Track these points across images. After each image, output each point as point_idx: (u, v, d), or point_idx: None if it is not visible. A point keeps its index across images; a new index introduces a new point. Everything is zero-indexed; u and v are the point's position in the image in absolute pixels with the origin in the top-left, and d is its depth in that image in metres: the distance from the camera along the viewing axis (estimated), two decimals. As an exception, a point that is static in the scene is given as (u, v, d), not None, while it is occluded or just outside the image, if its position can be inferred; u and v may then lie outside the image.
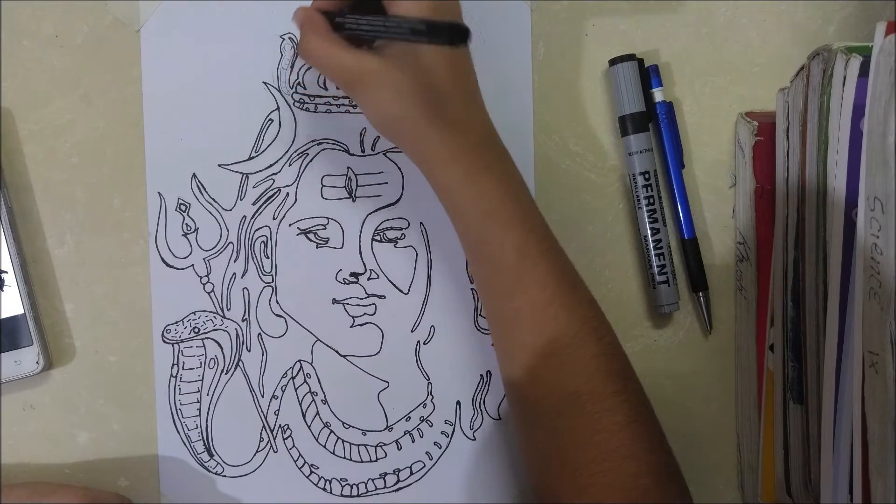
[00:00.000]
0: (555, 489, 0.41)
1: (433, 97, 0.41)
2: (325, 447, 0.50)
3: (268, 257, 0.50)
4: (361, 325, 0.50)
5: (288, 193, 0.50)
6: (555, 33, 0.51)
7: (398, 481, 0.50)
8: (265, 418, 0.50)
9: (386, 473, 0.50)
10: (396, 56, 0.41)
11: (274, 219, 0.50)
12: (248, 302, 0.50)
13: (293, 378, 0.50)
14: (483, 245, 0.42)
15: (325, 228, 0.50)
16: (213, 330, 0.50)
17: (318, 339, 0.50)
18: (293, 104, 0.50)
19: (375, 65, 0.41)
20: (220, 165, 0.50)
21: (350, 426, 0.50)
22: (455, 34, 0.35)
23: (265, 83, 0.50)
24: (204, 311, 0.49)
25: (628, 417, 0.40)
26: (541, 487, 0.43)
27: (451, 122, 0.41)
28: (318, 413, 0.50)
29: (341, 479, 0.50)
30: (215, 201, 0.50)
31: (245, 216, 0.50)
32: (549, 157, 0.51)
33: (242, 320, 0.50)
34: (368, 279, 0.50)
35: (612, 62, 0.50)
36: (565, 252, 0.43)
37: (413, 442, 0.50)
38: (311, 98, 0.50)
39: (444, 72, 0.41)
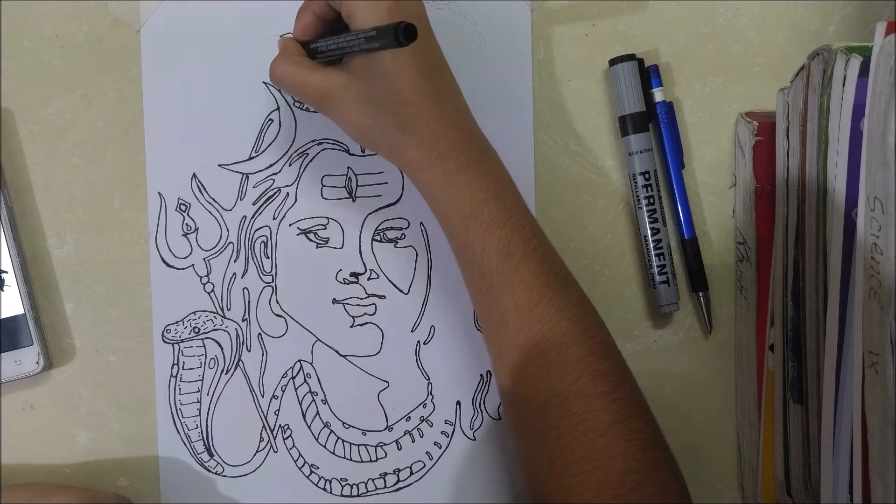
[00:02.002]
0: (544, 489, 0.41)
1: (399, 103, 0.41)
2: (325, 447, 0.50)
3: (268, 257, 0.50)
4: (361, 325, 0.50)
5: (288, 193, 0.50)
6: (555, 33, 0.51)
7: (398, 481, 0.50)
8: (265, 418, 0.50)
9: (386, 473, 0.50)
10: (359, 68, 0.41)
11: (274, 219, 0.50)
12: (248, 302, 0.50)
13: (293, 378, 0.50)
14: (466, 248, 0.42)
15: (325, 228, 0.50)
16: (214, 330, 0.50)
17: (318, 339, 0.50)
18: (293, 104, 0.50)
19: (340, 80, 0.42)
20: (220, 165, 0.50)
21: (350, 426, 0.50)
22: (399, 34, 0.35)
23: (265, 83, 0.50)
24: (204, 311, 0.49)
25: (617, 417, 0.40)
26: (532, 487, 0.43)
27: (421, 126, 0.41)
28: (318, 413, 0.50)
29: (341, 479, 0.50)
30: (215, 201, 0.50)
31: (245, 216, 0.50)
32: (549, 157, 0.51)
33: (242, 320, 0.50)
34: (368, 279, 0.50)
35: (612, 62, 0.50)
36: (556, 250, 0.43)
37: (413, 442, 0.50)
38: (311, 98, 0.50)
39: (408, 77, 0.41)
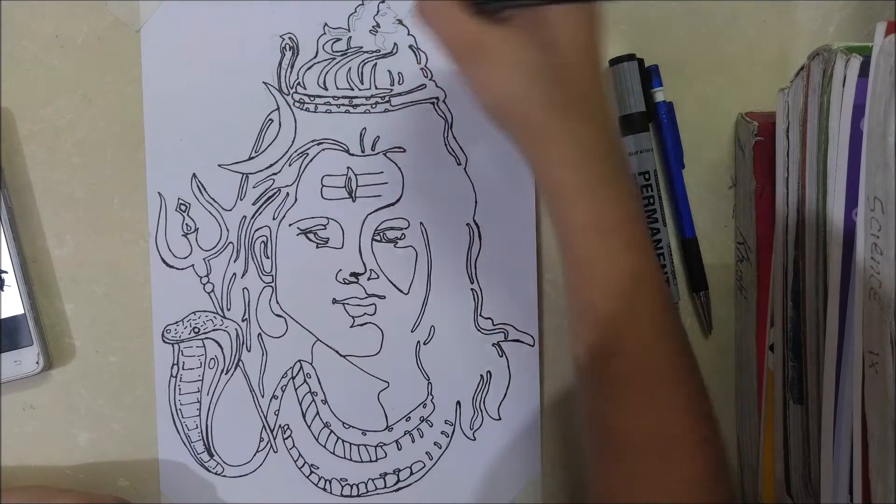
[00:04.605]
0: None
1: (561, 81, 0.35)
2: (325, 447, 0.50)
3: (268, 257, 0.50)
4: (361, 325, 0.50)
5: (288, 193, 0.50)
6: (555, 33, 0.50)
7: (398, 481, 0.50)
8: (265, 418, 0.50)
9: (386, 473, 0.50)
10: (523, 27, 0.35)
11: (274, 219, 0.50)
12: (248, 302, 0.50)
13: (293, 378, 0.50)
14: (596, 264, 0.37)
15: (325, 228, 0.50)
16: (213, 330, 0.50)
17: (318, 339, 0.50)
18: (293, 104, 0.50)
19: (496, 36, 0.35)
20: (220, 165, 0.50)
21: (350, 426, 0.50)
22: None
23: (265, 83, 0.50)
24: (204, 311, 0.49)
25: (709, 466, 0.38)
26: None
27: (579, 115, 0.36)
28: (318, 413, 0.50)
29: (341, 479, 0.50)
30: (215, 201, 0.50)
31: (245, 216, 0.50)
32: (549, 157, 0.51)
33: (242, 320, 0.50)
34: (368, 279, 0.50)
35: (612, 62, 0.50)
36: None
37: (413, 442, 0.50)
38: (311, 98, 0.50)
39: (578, 48, 0.35)
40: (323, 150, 0.50)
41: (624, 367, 0.38)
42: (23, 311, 0.48)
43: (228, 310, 0.50)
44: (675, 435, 0.37)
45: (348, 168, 0.50)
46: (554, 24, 0.35)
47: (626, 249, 0.37)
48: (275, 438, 0.50)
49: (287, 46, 0.49)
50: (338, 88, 0.49)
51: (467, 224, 0.50)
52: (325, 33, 0.49)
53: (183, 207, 0.49)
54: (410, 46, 0.50)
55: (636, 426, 0.38)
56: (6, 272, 0.48)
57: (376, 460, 0.50)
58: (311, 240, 0.50)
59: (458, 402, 0.50)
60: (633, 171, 0.41)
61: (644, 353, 0.38)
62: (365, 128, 0.50)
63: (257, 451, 0.50)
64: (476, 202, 0.50)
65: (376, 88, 0.50)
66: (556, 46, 0.35)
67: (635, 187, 0.40)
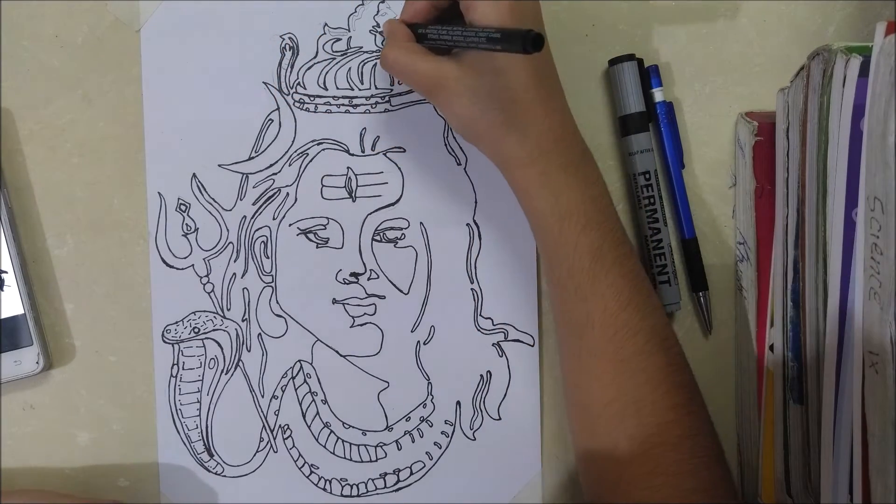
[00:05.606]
0: (608, 499, 0.41)
1: (509, 100, 0.41)
2: (325, 447, 0.50)
3: (268, 257, 0.50)
4: (361, 325, 0.50)
5: (288, 193, 0.50)
6: (555, 33, 0.51)
7: (398, 481, 0.50)
8: (265, 418, 0.50)
9: (386, 473, 0.50)
10: (473, 61, 0.41)
11: (274, 219, 0.50)
12: (248, 302, 0.50)
13: (293, 378, 0.50)
14: (558, 246, 0.42)
15: (325, 228, 0.50)
16: (213, 330, 0.50)
17: (318, 339, 0.50)
18: (293, 104, 0.50)
19: (453, 71, 0.42)
20: (220, 165, 0.50)
21: (350, 426, 0.50)
22: (528, 42, 0.34)
23: (265, 83, 0.50)
24: (204, 311, 0.49)
25: (689, 431, 0.40)
26: (594, 496, 0.43)
27: (527, 123, 0.41)
28: (318, 413, 0.50)
29: (341, 479, 0.50)
30: (215, 201, 0.50)
31: (245, 216, 0.50)
32: (549, 157, 0.51)
33: (242, 320, 0.50)
34: (368, 279, 0.50)
35: (612, 62, 0.50)
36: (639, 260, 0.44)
37: (413, 442, 0.50)
38: (311, 98, 0.50)
39: (521, 75, 0.41)
40: (323, 150, 0.50)
41: (594, 340, 0.41)
42: (23, 311, 0.48)
43: (228, 310, 0.50)
44: (650, 402, 0.40)
45: (348, 168, 0.50)
46: (498, 56, 0.40)
47: (583, 230, 0.41)
48: (275, 438, 0.50)
49: (287, 46, 0.49)
50: (338, 88, 0.50)
51: (467, 224, 0.50)
52: (325, 33, 0.49)
53: (183, 207, 0.49)
54: (410, 46, 0.50)
55: (611, 396, 0.41)
56: (6, 272, 0.48)
57: (376, 460, 0.50)
58: (311, 240, 0.50)
59: (458, 402, 0.50)
60: (596, 161, 0.44)
61: (611, 324, 0.41)
62: (365, 128, 0.50)
63: (257, 451, 0.50)
64: (476, 202, 0.50)
65: (376, 88, 0.50)
66: (502, 70, 0.41)
67: (595, 173, 0.43)
